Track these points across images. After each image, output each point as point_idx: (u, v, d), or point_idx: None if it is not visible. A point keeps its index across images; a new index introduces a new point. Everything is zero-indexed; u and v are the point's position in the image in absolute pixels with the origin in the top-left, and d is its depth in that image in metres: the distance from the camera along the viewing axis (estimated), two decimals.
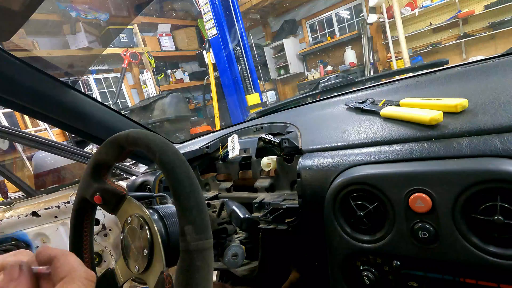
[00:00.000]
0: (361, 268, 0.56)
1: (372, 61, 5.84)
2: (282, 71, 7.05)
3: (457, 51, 5.14)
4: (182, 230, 0.39)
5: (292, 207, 0.66)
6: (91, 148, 3.02)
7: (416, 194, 0.46)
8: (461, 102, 0.52)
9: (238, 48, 4.12)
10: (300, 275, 0.87)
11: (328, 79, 1.09)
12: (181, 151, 0.56)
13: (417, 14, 5.14)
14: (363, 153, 0.57)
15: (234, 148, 0.85)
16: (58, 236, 1.27)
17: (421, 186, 0.46)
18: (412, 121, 0.55)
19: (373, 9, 4.96)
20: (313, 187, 0.61)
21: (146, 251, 0.47)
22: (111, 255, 1.28)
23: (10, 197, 3.22)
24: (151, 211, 0.51)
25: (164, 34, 6.44)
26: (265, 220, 0.69)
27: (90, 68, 5.20)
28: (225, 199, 0.74)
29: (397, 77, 0.88)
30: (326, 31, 6.66)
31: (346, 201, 0.55)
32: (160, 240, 0.46)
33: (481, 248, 0.43)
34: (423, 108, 0.57)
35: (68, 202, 1.22)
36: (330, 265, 0.61)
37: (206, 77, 5.02)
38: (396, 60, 5.15)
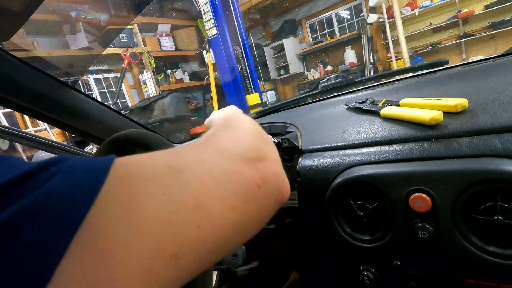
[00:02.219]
0: (361, 268, 0.56)
1: (372, 61, 5.84)
2: (282, 71, 7.05)
3: (457, 51, 5.13)
4: None
5: (292, 207, 0.66)
6: (91, 148, 3.02)
7: (416, 194, 0.46)
8: (461, 102, 0.52)
9: (238, 48, 4.12)
10: (300, 275, 0.87)
11: (328, 79, 1.09)
12: None
13: (417, 14, 5.13)
14: (363, 153, 0.57)
15: None
16: None
17: (421, 186, 0.46)
18: (412, 121, 0.56)
19: (373, 9, 4.95)
20: (313, 187, 0.61)
21: None
22: None
23: None
24: None
25: (164, 34, 6.43)
26: None
27: (90, 68, 5.20)
28: None
29: (397, 77, 0.88)
30: (326, 31, 6.65)
31: (346, 201, 0.55)
32: None
33: (481, 248, 0.43)
34: (423, 108, 0.57)
35: None
36: (330, 265, 0.62)
37: (206, 77, 5.02)
38: (396, 60, 5.15)
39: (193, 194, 0.22)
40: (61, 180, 0.18)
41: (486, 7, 4.60)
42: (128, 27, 5.62)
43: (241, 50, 4.14)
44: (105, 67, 5.67)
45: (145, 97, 5.73)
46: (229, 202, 0.24)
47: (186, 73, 6.89)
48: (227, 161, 0.27)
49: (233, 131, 0.34)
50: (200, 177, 0.24)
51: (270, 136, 0.78)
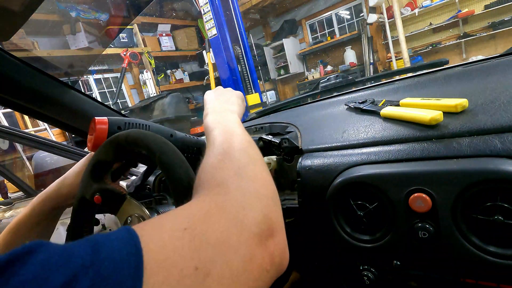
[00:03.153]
0: (361, 268, 0.56)
1: (372, 61, 5.84)
2: (282, 71, 7.05)
3: (457, 51, 5.13)
4: None
5: (292, 207, 0.66)
6: None
7: (416, 194, 0.46)
8: (461, 102, 0.52)
9: (238, 48, 4.12)
10: (300, 275, 0.87)
11: (328, 79, 1.09)
12: None
13: (417, 14, 5.13)
14: (363, 153, 0.57)
15: None
16: (58, 236, 1.27)
17: (421, 186, 0.46)
18: (412, 121, 0.56)
19: (373, 9, 4.95)
20: (313, 187, 0.61)
21: None
22: None
23: (10, 197, 3.22)
24: (151, 211, 0.51)
25: (164, 34, 6.43)
26: None
27: (90, 68, 5.20)
28: None
29: (397, 77, 0.88)
30: (326, 31, 6.65)
31: (346, 201, 0.55)
32: None
33: (481, 248, 0.43)
34: (423, 108, 0.57)
35: None
36: (330, 265, 0.62)
37: (206, 77, 5.02)
38: (396, 60, 5.15)
39: None
40: None
41: (486, 7, 4.60)
42: (128, 27, 5.61)
43: (241, 50, 4.14)
44: (105, 67, 5.67)
45: (145, 97, 5.73)
46: None
47: (186, 73, 6.89)
48: (243, 244, 0.27)
49: (245, 180, 0.34)
50: (222, 281, 0.24)
51: (270, 136, 0.78)
